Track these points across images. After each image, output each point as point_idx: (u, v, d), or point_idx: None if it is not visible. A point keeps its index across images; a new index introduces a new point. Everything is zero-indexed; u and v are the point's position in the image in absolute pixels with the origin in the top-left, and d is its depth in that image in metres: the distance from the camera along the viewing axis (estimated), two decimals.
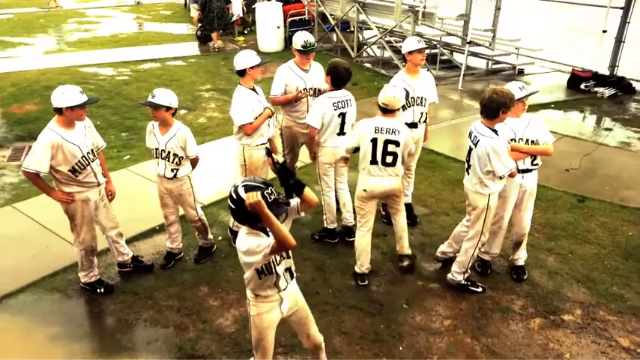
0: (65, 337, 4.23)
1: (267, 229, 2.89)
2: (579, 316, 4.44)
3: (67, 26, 16.15)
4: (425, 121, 5.57)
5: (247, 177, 4.90)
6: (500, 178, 4.27)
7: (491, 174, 4.25)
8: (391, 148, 4.51)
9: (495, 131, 4.21)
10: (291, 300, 3.33)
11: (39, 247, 5.22)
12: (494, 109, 4.12)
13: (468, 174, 4.48)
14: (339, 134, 5.09)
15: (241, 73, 4.93)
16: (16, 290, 4.68)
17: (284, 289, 3.24)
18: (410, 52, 5.36)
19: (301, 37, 5.30)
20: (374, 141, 4.51)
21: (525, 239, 4.84)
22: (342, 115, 5.04)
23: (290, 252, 3.21)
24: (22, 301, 4.60)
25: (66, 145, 4.15)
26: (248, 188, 2.88)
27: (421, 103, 5.40)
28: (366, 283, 4.83)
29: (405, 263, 4.95)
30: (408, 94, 5.25)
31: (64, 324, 4.35)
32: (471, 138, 4.37)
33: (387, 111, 4.52)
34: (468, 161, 4.45)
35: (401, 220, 4.89)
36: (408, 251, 4.96)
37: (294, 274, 3.33)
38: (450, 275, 4.74)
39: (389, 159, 4.54)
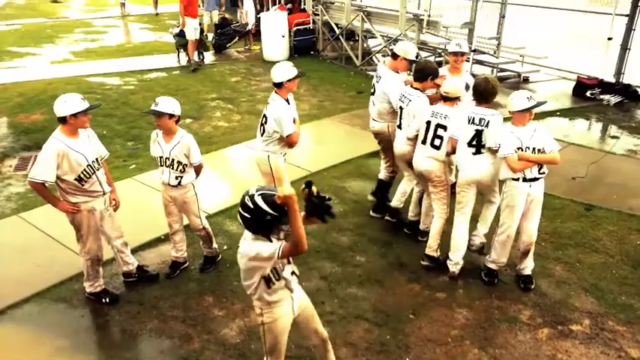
0: (70, 347, 4.22)
1: (277, 234, 3.02)
2: (588, 326, 4.39)
3: (74, 36, 16.28)
4: None
5: (273, 185, 4.90)
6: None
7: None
8: (440, 132, 4.89)
9: None
10: (300, 299, 3.38)
11: (44, 257, 5.22)
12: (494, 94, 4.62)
13: (482, 153, 4.65)
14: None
15: (279, 85, 4.92)
16: (21, 300, 4.67)
17: (294, 291, 3.30)
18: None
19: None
20: (428, 123, 4.95)
21: (533, 248, 4.80)
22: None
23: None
24: (27, 311, 4.60)
25: (71, 154, 4.16)
26: (266, 197, 2.91)
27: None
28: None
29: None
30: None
31: (69, 334, 4.34)
32: (476, 122, 4.59)
33: (447, 99, 4.92)
34: (479, 146, 4.63)
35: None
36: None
37: (297, 275, 3.35)
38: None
39: (436, 142, 4.92)
